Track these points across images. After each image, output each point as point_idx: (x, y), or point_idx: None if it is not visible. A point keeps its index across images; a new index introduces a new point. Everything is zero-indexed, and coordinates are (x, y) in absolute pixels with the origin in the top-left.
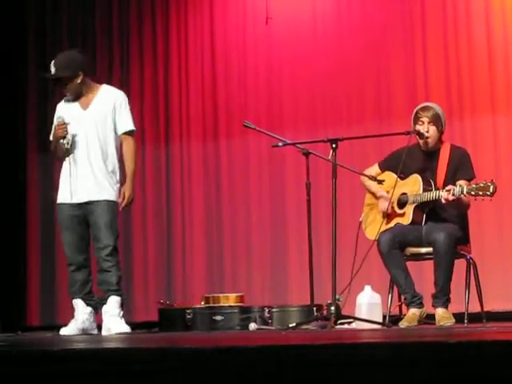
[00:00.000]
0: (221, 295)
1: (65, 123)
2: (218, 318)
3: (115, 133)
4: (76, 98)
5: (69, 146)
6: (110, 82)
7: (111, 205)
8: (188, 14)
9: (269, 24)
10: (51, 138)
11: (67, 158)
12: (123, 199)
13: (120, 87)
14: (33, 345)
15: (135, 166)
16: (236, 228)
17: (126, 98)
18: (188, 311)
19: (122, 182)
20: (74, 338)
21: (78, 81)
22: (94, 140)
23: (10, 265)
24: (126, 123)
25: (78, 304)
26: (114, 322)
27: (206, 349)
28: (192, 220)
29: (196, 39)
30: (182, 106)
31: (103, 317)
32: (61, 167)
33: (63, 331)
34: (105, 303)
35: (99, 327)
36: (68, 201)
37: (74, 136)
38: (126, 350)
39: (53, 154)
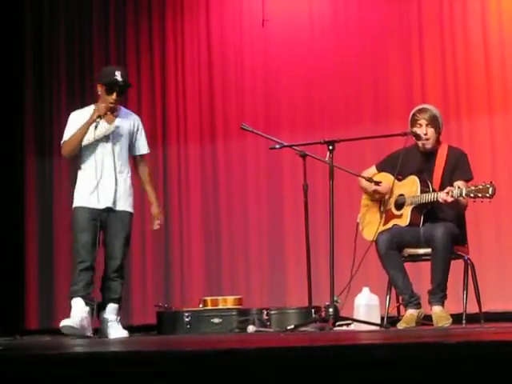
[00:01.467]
0: (219, 298)
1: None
2: (217, 320)
3: (129, 152)
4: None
5: (98, 124)
6: None
7: (130, 217)
8: (184, 17)
9: (265, 26)
10: (70, 134)
11: (92, 163)
12: (158, 219)
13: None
14: (31, 348)
15: (154, 186)
16: (234, 230)
17: (141, 122)
18: (186, 314)
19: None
20: (72, 342)
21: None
22: (121, 152)
23: (9, 268)
24: (144, 146)
25: (78, 302)
26: (112, 328)
27: (205, 351)
28: (190, 223)
29: (192, 41)
30: (178, 108)
31: (102, 322)
32: (77, 172)
33: (64, 322)
34: (103, 309)
35: (95, 332)
36: (90, 205)
37: (108, 131)
38: (125, 353)
39: (68, 151)
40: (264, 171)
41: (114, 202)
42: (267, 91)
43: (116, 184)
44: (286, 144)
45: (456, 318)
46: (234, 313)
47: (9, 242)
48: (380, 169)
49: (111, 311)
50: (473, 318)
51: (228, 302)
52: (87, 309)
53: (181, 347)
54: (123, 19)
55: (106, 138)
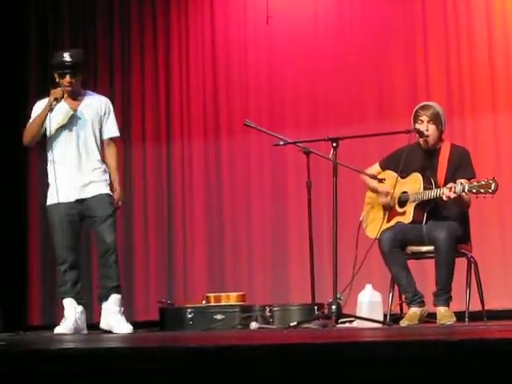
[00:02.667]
0: (222, 294)
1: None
2: (219, 317)
3: (100, 136)
4: (67, 97)
5: (54, 106)
6: (111, 82)
7: (109, 199)
8: (189, 14)
9: (269, 23)
10: (32, 119)
11: (54, 159)
12: (117, 201)
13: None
14: (34, 344)
15: (120, 172)
16: (237, 227)
17: (111, 104)
18: (189, 310)
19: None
20: (74, 338)
21: (81, 79)
22: (85, 139)
23: (12, 265)
24: (113, 129)
25: (70, 303)
26: (116, 321)
27: (207, 348)
28: (193, 219)
29: (197, 38)
30: (182, 104)
31: (103, 313)
32: (47, 169)
33: (58, 330)
34: (105, 300)
35: (93, 327)
36: (63, 200)
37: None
38: (127, 349)
39: (27, 139)
40: (268, 168)
41: (88, 190)
42: (271, 88)
43: (80, 174)
44: (289, 141)
45: (459, 316)
46: (237, 309)
47: (12, 238)
48: (384, 166)
49: (114, 302)
50: (476, 316)
51: (231, 298)
52: (80, 308)
53: (183, 343)
54: (127, 16)
55: (69, 127)
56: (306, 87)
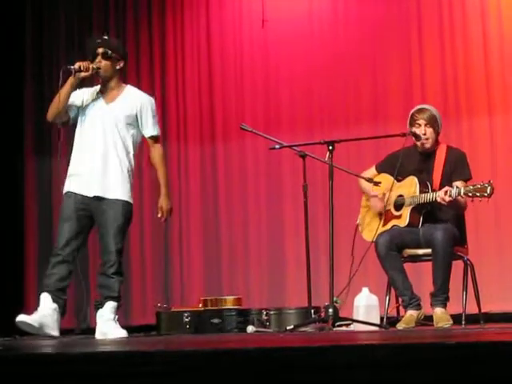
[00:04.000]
0: (218, 298)
1: (88, 63)
2: (216, 320)
3: (136, 136)
4: (103, 88)
5: (79, 77)
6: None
7: (125, 206)
8: (184, 17)
9: (265, 26)
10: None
11: (83, 144)
12: (161, 213)
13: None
14: (30, 349)
15: (166, 173)
16: (233, 230)
17: (153, 102)
18: (186, 314)
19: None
20: (70, 342)
21: (117, 66)
22: (113, 136)
23: (8, 268)
24: (153, 128)
25: (45, 298)
26: (109, 327)
27: (204, 351)
28: (189, 223)
29: (192, 41)
30: (178, 108)
31: (97, 320)
32: (70, 155)
33: (21, 318)
34: (101, 307)
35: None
36: (78, 191)
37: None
38: (124, 353)
39: (51, 114)
40: (264, 171)
41: (105, 190)
42: (267, 91)
43: (107, 169)
44: (285, 144)
45: (456, 319)
46: (234, 313)
47: (8, 241)
48: (380, 169)
49: (108, 309)
50: (472, 319)
51: (227, 302)
52: (54, 306)
53: (180, 347)
54: (123, 17)
55: (99, 119)
56: (301, 90)
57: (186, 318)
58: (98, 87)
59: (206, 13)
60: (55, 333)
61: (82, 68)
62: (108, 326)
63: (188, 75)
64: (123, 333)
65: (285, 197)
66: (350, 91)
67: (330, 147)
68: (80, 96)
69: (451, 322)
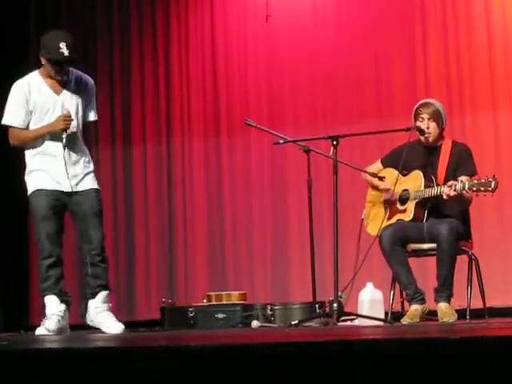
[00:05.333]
0: (223, 293)
1: (70, 116)
2: (221, 315)
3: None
4: (49, 78)
5: (64, 137)
6: (111, 82)
7: (97, 193)
8: (188, 12)
9: (269, 21)
10: (15, 123)
11: (38, 147)
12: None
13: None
14: (34, 344)
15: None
16: (238, 225)
17: (95, 86)
18: (190, 309)
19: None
20: (73, 337)
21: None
22: (72, 127)
23: (13, 264)
24: (94, 113)
25: (52, 301)
26: (107, 320)
27: (209, 347)
28: (194, 218)
29: (196, 37)
30: (183, 103)
31: (90, 311)
32: (29, 147)
33: (39, 331)
34: (92, 298)
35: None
36: (50, 187)
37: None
38: (128, 348)
39: (16, 143)
40: (268, 166)
41: (77, 183)
42: (271, 86)
43: (74, 162)
44: (289, 139)
45: (460, 314)
46: (238, 308)
47: (13, 237)
48: (385, 163)
49: (102, 300)
50: (477, 314)
51: (232, 297)
52: (63, 307)
53: (185, 343)
54: (127, 14)
55: (54, 113)
56: (305, 85)
57: (191, 313)
58: (36, 73)
59: (210, 8)
60: (67, 332)
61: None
62: (105, 318)
63: (192, 70)
64: (120, 327)
65: (289, 192)
66: (354, 86)
67: (335, 142)
68: (29, 102)
69: (455, 316)
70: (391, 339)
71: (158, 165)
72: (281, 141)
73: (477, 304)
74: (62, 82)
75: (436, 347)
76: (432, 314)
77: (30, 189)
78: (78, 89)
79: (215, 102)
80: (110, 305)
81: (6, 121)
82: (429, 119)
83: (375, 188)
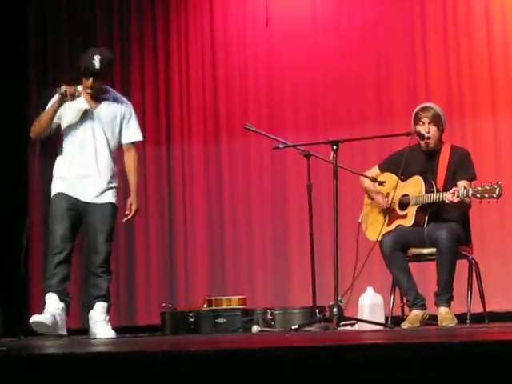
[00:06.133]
0: (223, 298)
1: (76, 88)
2: (221, 320)
3: (118, 140)
4: (86, 94)
5: (67, 101)
6: (111, 86)
7: (113, 209)
8: (188, 16)
9: (269, 26)
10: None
11: (65, 155)
12: (130, 211)
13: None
14: (34, 349)
15: (139, 177)
16: (238, 230)
17: (133, 108)
18: (190, 314)
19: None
20: (74, 342)
21: (105, 81)
22: (102, 140)
23: (13, 269)
24: (135, 133)
25: (52, 298)
26: (99, 328)
27: (209, 351)
28: (194, 222)
29: (196, 41)
30: (182, 107)
31: (90, 322)
32: (59, 154)
33: (35, 318)
34: (91, 308)
35: (84, 331)
36: (69, 193)
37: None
38: (128, 353)
39: (34, 132)
40: (268, 171)
41: (94, 194)
42: (271, 91)
43: (97, 173)
44: (289, 144)
45: (460, 318)
46: (238, 313)
47: (13, 242)
48: (383, 169)
49: (98, 310)
50: (477, 318)
51: (232, 302)
52: (61, 305)
53: (185, 347)
54: (127, 18)
55: (84, 125)
56: (305, 90)
57: (191, 318)
58: (79, 90)
59: (210, 12)
60: (64, 332)
61: (67, 93)
62: (98, 327)
63: (192, 75)
64: (112, 333)
65: (289, 196)
66: (354, 90)
67: (335, 147)
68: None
69: (455, 321)
70: (391, 344)
71: (158, 169)
72: (281, 145)
73: (477, 308)
74: (98, 99)
75: (436, 351)
76: (432, 319)
77: (53, 192)
78: (111, 108)
79: (215, 107)
80: (108, 317)
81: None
82: (429, 123)
83: (370, 197)
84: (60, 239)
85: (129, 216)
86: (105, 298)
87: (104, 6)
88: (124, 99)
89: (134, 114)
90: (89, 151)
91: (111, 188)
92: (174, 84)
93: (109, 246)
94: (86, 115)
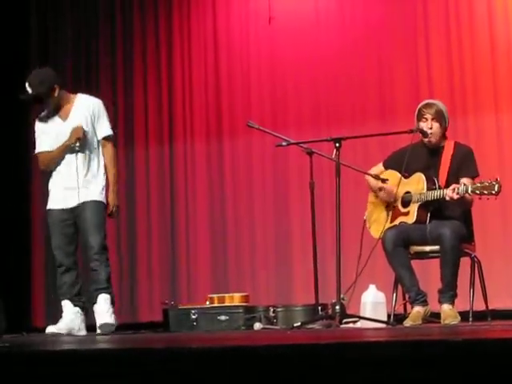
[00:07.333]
0: (225, 295)
1: (82, 128)
2: (223, 317)
3: (96, 138)
4: (55, 111)
5: (78, 147)
6: (113, 84)
7: (97, 204)
8: (191, 15)
9: (272, 24)
10: (40, 149)
11: (56, 168)
12: (109, 207)
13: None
14: (37, 346)
15: (115, 171)
16: (240, 227)
17: (103, 105)
18: (193, 311)
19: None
20: (77, 339)
21: (55, 94)
22: (80, 148)
23: (15, 266)
24: (106, 129)
25: (66, 305)
26: (103, 317)
27: (211, 349)
28: (196, 220)
29: (199, 39)
30: (185, 105)
31: (95, 316)
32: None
33: (49, 329)
34: (95, 302)
35: (91, 328)
36: (58, 206)
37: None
38: (130, 350)
39: (45, 166)
40: (270, 169)
41: (79, 197)
42: (274, 89)
43: (79, 179)
44: (292, 141)
45: (463, 316)
46: (241, 310)
47: (16, 239)
48: (387, 166)
49: (101, 302)
50: (480, 316)
51: (234, 299)
52: (76, 309)
53: (187, 344)
54: (130, 17)
55: (63, 138)
56: (308, 87)
57: (193, 315)
58: (45, 112)
59: (212, 10)
60: (83, 332)
61: (80, 140)
62: (101, 317)
63: (195, 72)
64: (113, 320)
65: (291, 194)
66: (356, 88)
67: (337, 144)
68: (44, 129)
69: (459, 318)
70: (394, 341)
71: (161, 168)
72: (283, 143)
73: (479, 306)
74: (65, 108)
75: (438, 349)
76: (435, 316)
77: (47, 206)
78: (81, 111)
79: (218, 104)
80: (112, 309)
81: (37, 151)
82: (432, 119)
83: (375, 193)
84: (58, 252)
85: (108, 212)
86: (106, 289)
87: (106, 5)
88: (91, 98)
89: (102, 110)
90: (70, 163)
91: (96, 188)
92: (177, 82)
93: (100, 239)
94: (61, 131)
